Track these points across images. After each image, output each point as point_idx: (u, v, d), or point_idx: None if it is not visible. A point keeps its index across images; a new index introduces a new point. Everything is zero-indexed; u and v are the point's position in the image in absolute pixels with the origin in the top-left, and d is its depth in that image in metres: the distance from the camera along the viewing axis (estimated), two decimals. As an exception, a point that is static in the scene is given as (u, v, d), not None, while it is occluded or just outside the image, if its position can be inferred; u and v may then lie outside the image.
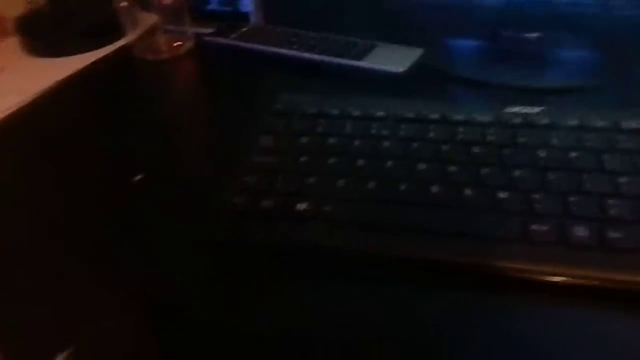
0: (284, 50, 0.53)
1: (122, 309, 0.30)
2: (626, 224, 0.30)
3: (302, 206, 0.33)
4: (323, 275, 0.30)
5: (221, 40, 0.57)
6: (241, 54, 0.56)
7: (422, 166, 0.35)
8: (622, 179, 0.32)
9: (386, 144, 0.37)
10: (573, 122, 0.37)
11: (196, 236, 0.33)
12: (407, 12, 0.57)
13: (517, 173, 0.33)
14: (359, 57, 0.51)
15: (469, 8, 0.53)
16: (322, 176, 0.35)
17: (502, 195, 0.32)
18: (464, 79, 0.48)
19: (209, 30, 0.59)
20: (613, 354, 0.26)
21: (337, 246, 0.31)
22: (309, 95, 0.44)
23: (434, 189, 0.33)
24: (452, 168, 0.34)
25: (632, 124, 0.36)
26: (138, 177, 0.39)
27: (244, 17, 0.60)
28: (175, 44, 0.57)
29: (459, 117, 0.38)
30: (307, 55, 0.52)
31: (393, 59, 0.50)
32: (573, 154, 0.34)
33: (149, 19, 0.59)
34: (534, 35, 0.52)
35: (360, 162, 0.36)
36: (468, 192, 0.33)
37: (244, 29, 0.58)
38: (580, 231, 0.30)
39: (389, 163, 0.35)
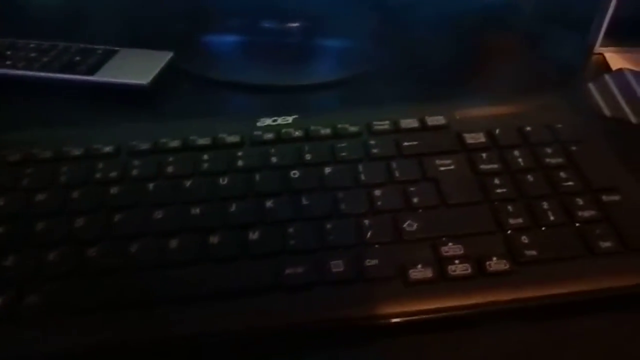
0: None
1: None
2: (382, 247, 0.27)
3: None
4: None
5: None
6: None
7: (158, 214, 0.28)
8: (377, 192, 0.30)
9: (115, 190, 0.30)
10: (326, 130, 0.33)
11: None
12: (152, 6, 0.49)
13: (269, 204, 0.29)
14: (93, 70, 0.41)
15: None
16: (25, 252, 0.27)
17: (253, 235, 0.28)
18: (219, 83, 0.42)
19: None
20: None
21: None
22: (20, 132, 0.34)
23: (173, 243, 0.27)
24: (195, 210, 0.29)
25: (381, 124, 0.34)
26: None
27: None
28: None
29: (204, 140, 0.32)
30: (21, 73, 0.41)
31: (136, 68, 0.42)
32: (328, 170, 0.31)
33: None
34: (296, 24, 0.48)
35: (80, 221, 0.28)
36: (214, 239, 0.27)
37: None
38: (339, 265, 0.27)
39: (117, 217, 0.28)
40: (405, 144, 0.32)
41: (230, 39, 0.47)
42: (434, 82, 0.42)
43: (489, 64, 0.44)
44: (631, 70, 0.41)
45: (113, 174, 0.30)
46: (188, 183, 0.30)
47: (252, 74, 0.43)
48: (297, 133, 0.33)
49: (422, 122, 0.34)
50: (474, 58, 0.45)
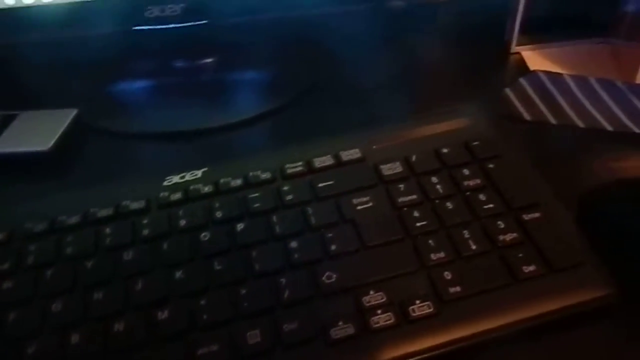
0: None
1: None
2: (301, 306, 0.26)
3: None
4: None
5: None
6: None
7: (56, 307, 0.26)
8: (293, 244, 0.28)
9: (8, 284, 0.27)
10: (237, 182, 0.31)
11: None
12: (52, 61, 0.46)
13: (178, 275, 0.27)
14: (-13, 141, 0.39)
15: (128, 41, 0.46)
16: None
17: (162, 315, 0.26)
18: (128, 136, 0.40)
19: None
20: None
21: None
22: None
23: (74, 338, 0.25)
24: (98, 295, 0.26)
25: (294, 167, 0.32)
26: None
27: None
28: None
29: (107, 211, 0.30)
30: None
31: (38, 133, 0.39)
32: (240, 226, 0.29)
33: None
34: (209, 60, 0.46)
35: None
36: (119, 326, 0.25)
37: None
38: (255, 336, 0.25)
39: (11, 316, 0.25)
40: (320, 185, 0.31)
41: (139, 85, 0.45)
42: (350, 109, 0.40)
43: (405, 82, 0.43)
44: (545, 72, 0.41)
45: (4, 266, 0.28)
46: (89, 264, 0.28)
47: (163, 121, 0.41)
48: (207, 189, 0.31)
49: (337, 158, 0.33)
50: (389, 78, 0.44)
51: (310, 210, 0.30)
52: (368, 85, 0.43)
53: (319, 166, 0.32)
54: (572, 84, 0.40)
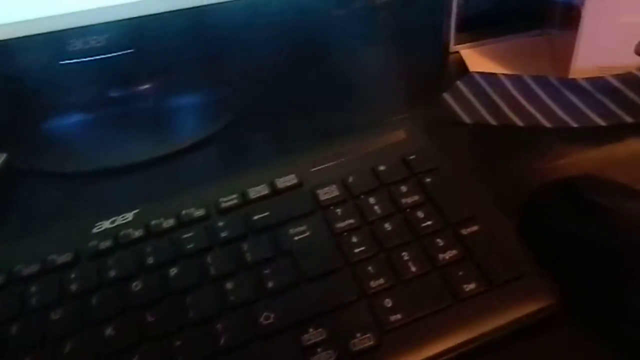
0: None
1: None
2: (238, 352, 0.25)
3: None
4: None
5: None
6: None
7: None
8: (229, 284, 0.27)
9: None
10: (169, 222, 0.30)
11: None
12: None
13: (108, 332, 0.25)
14: None
15: (57, 76, 0.44)
16: None
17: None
18: (59, 177, 0.38)
19: None
20: None
21: None
22: None
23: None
24: (23, 363, 0.25)
25: (229, 200, 0.31)
26: None
27: None
28: None
29: (32, 268, 0.28)
30: None
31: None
32: (173, 271, 0.28)
33: None
34: (143, 88, 0.45)
35: None
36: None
37: None
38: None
39: None
40: (256, 217, 0.30)
41: (70, 120, 0.43)
42: (285, 131, 0.39)
43: (341, 95, 0.42)
44: (480, 73, 0.41)
45: None
46: (14, 328, 0.26)
47: (96, 157, 0.39)
48: (137, 233, 0.30)
49: (273, 186, 0.31)
50: (324, 92, 0.43)
51: (245, 246, 0.28)
52: (304, 102, 0.42)
53: (254, 197, 0.31)
54: (507, 84, 0.40)
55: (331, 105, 0.40)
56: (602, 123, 0.37)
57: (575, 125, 0.37)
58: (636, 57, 0.39)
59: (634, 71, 0.38)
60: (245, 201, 0.31)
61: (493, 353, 0.25)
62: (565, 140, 0.37)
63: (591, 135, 0.37)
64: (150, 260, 0.28)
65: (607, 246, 0.26)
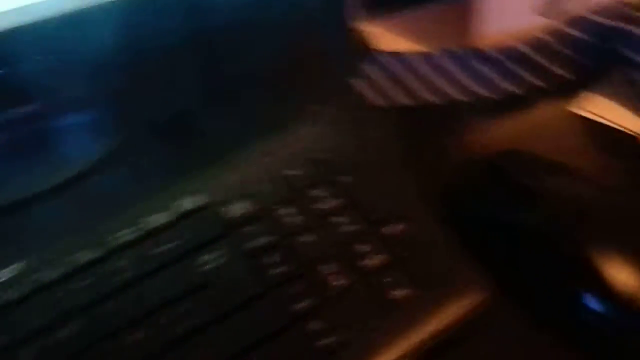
0: None
1: None
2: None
3: None
4: None
5: None
6: None
7: None
8: (129, 339, 0.23)
9: None
10: (56, 271, 0.26)
11: None
12: None
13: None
14: None
15: None
16: None
17: None
18: None
19: None
20: None
21: None
22: None
23: None
24: None
25: (124, 235, 0.27)
26: None
27: None
28: None
29: None
30: None
31: None
32: (64, 333, 0.24)
33: None
34: (30, 107, 0.39)
35: None
36: None
37: None
38: None
39: None
40: (158, 250, 0.26)
41: None
42: (186, 143, 0.35)
43: (244, 94, 0.38)
44: (387, 52, 0.38)
45: None
46: None
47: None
48: (17, 294, 0.24)
49: (177, 210, 0.28)
50: (225, 93, 0.39)
51: (148, 288, 0.25)
52: (193, 111, 0.37)
53: (154, 226, 0.27)
54: (414, 60, 0.38)
55: (227, 111, 0.37)
56: (516, 91, 0.36)
57: (490, 96, 0.36)
58: (541, 19, 0.38)
59: (541, 34, 0.38)
60: (145, 233, 0.27)
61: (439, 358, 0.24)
62: (484, 113, 0.36)
63: (508, 105, 0.36)
64: (36, 324, 0.24)
65: (537, 231, 0.24)
